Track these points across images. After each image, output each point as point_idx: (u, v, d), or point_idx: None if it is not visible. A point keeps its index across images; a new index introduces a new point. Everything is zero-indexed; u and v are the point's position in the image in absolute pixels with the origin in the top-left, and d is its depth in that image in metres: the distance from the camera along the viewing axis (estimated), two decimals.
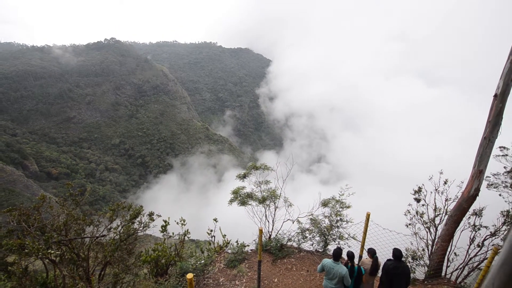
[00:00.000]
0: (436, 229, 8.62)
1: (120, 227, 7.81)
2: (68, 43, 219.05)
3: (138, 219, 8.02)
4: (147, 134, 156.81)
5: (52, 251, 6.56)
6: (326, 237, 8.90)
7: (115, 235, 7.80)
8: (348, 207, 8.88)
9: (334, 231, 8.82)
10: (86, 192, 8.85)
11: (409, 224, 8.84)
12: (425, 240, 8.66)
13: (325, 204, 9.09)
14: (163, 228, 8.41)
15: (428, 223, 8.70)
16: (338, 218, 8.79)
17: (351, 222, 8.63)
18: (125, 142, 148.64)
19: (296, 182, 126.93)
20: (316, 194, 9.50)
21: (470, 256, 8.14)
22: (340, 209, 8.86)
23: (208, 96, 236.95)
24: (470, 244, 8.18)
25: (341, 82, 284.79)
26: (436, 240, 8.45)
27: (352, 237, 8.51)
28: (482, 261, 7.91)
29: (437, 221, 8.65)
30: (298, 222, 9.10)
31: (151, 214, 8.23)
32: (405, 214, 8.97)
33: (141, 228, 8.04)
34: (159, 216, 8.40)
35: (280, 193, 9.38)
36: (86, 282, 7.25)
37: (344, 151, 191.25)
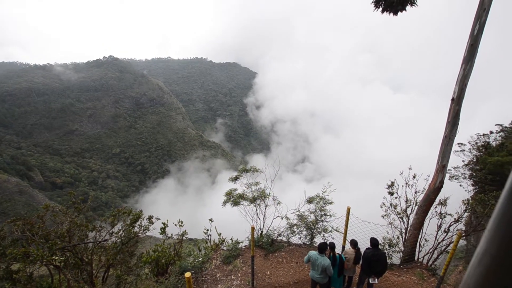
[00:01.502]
0: (408, 219, 8.77)
1: (121, 231, 7.54)
2: (69, 61, 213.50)
3: (138, 222, 7.78)
4: (146, 143, 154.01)
5: (56, 257, 6.25)
6: (312, 230, 8.90)
7: (117, 239, 7.53)
8: (331, 203, 8.93)
9: (319, 225, 8.84)
10: (89, 200, 8.52)
11: (385, 215, 8.96)
12: (399, 229, 8.80)
13: (310, 201, 9.11)
14: (162, 230, 8.19)
15: (401, 214, 8.85)
16: (322, 213, 8.83)
17: (334, 216, 8.68)
18: (125, 151, 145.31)
19: (283, 181, 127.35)
20: (301, 192, 9.51)
21: (438, 241, 8.31)
22: (324, 205, 8.91)
23: (200, 106, 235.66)
24: (438, 231, 8.36)
25: (319, 90, 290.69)
26: (408, 228, 8.59)
27: (335, 230, 8.55)
28: (449, 245, 8.09)
29: (408, 211, 8.81)
30: (287, 218, 9.08)
31: (150, 218, 8.00)
32: (381, 207, 9.09)
33: (141, 231, 7.79)
34: (158, 219, 8.18)
35: (269, 193, 9.34)
36: (90, 285, 6.94)
37: (325, 152, 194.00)
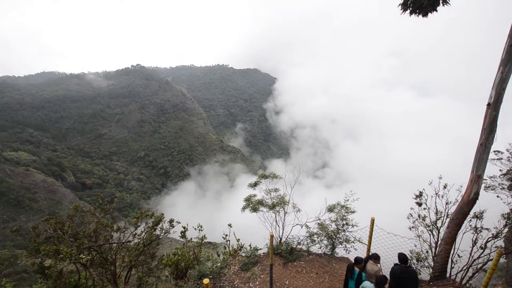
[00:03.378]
0: (439, 232, 8.16)
1: (143, 233, 7.74)
2: (100, 70, 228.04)
3: (160, 225, 7.95)
4: (169, 147, 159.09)
5: (83, 256, 6.53)
6: (333, 240, 8.56)
7: (139, 240, 7.73)
8: (353, 212, 8.55)
9: (341, 235, 8.48)
10: (114, 202, 8.87)
11: (412, 227, 8.40)
12: (428, 243, 8.20)
13: (331, 209, 8.80)
14: (183, 233, 8.30)
15: (431, 226, 8.25)
16: (344, 223, 8.47)
17: (356, 226, 8.29)
18: (149, 155, 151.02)
19: (303, 186, 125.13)
20: (321, 198, 9.23)
21: (474, 258, 7.62)
22: (346, 214, 8.55)
23: (221, 112, 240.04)
24: (473, 246, 7.68)
25: (341, 95, 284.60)
26: (439, 242, 7.98)
27: (358, 241, 8.15)
28: (486, 263, 7.39)
29: (438, 224, 8.20)
30: (307, 226, 8.82)
31: (171, 221, 8.15)
32: (408, 218, 8.53)
33: (162, 234, 7.95)
34: (179, 222, 8.31)
35: (289, 200, 9.16)
36: (113, 284, 7.16)
37: (346, 158, 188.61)
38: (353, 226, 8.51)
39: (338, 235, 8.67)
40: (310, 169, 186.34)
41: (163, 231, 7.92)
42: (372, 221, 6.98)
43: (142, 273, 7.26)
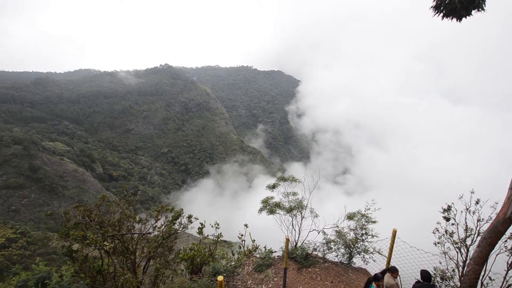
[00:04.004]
0: (468, 250, 7.57)
1: (163, 227, 8.01)
2: (131, 68, 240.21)
3: (179, 220, 8.18)
4: (191, 144, 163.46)
5: (107, 243, 6.88)
6: (351, 249, 8.27)
7: (158, 233, 8.01)
8: (374, 222, 8.20)
9: (359, 245, 8.17)
10: (138, 194, 9.28)
11: (438, 243, 7.87)
12: (455, 261, 7.63)
13: (350, 217, 8.52)
14: (200, 230, 8.48)
15: (459, 243, 7.68)
16: (364, 232, 8.15)
17: (376, 236, 7.94)
18: (172, 151, 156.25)
19: (322, 191, 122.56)
20: (341, 204, 8.97)
21: (509, 283, 6.99)
22: (366, 223, 8.22)
23: (243, 112, 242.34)
24: (508, 270, 7.03)
25: (366, 100, 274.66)
26: (467, 261, 7.40)
27: (377, 252, 7.80)
28: None
29: (468, 241, 7.60)
30: (324, 233, 8.61)
31: (190, 217, 8.36)
32: (433, 232, 8.00)
33: (180, 229, 8.18)
34: (197, 219, 8.50)
35: (307, 204, 9.01)
36: (132, 273, 7.47)
37: (369, 165, 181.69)
38: (373, 236, 8.18)
39: (356, 245, 8.38)
40: (330, 175, 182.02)
41: (182, 226, 8.15)
42: (394, 232, 6.65)
43: (159, 264, 7.52)
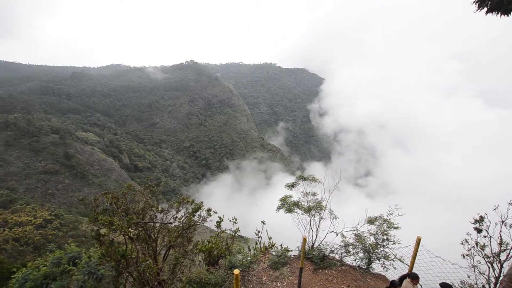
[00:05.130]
0: (501, 266, 7.01)
1: (183, 218, 8.29)
2: (159, 64, 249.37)
3: (198, 213, 8.42)
4: (212, 140, 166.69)
5: (131, 230, 7.27)
6: (371, 254, 8.01)
7: (179, 223, 8.31)
8: (396, 228, 7.84)
9: (380, 250, 7.88)
10: (161, 185, 9.67)
11: (466, 255, 7.37)
12: (486, 276, 7.10)
13: (371, 221, 8.23)
14: (218, 223, 8.67)
15: (491, 258, 7.12)
16: (385, 238, 7.84)
17: (398, 243, 7.60)
18: (194, 146, 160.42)
19: (341, 193, 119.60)
20: (361, 207, 8.70)
21: None
22: (387, 229, 7.90)
23: (265, 110, 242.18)
24: None
25: (393, 100, 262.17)
26: (501, 278, 6.87)
27: (398, 259, 7.48)
28: None
29: (502, 256, 7.03)
30: (342, 235, 8.42)
31: (209, 210, 8.57)
32: (462, 244, 7.48)
33: (200, 221, 8.42)
34: (215, 212, 8.70)
35: (326, 205, 8.85)
36: (153, 260, 7.84)
37: (393, 168, 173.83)
38: (394, 243, 7.84)
39: (376, 250, 8.09)
40: (352, 176, 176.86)
41: (201, 218, 8.38)
42: (418, 240, 6.34)
43: (179, 254, 7.80)
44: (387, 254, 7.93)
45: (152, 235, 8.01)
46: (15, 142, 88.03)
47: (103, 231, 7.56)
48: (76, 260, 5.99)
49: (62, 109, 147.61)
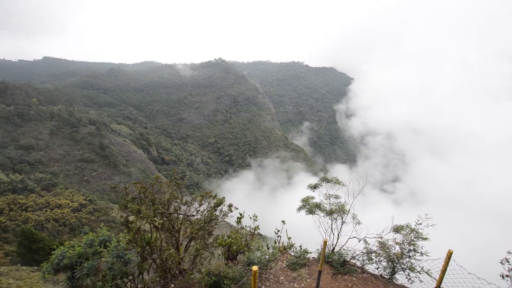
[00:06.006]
0: None
1: (205, 211, 8.54)
2: (188, 61, 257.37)
3: (220, 207, 8.62)
4: (236, 137, 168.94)
5: (157, 219, 7.64)
6: (395, 264, 7.62)
7: (201, 217, 8.57)
8: (425, 239, 7.36)
9: (405, 261, 7.47)
10: (185, 178, 10.03)
11: (506, 276, 6.72)
12: None
13: (397, 229, 7.81)
14: (238, 219, 8.81)
15: None
16: (411, 248, 7.40)
17: (426, 255, 7.14)
18: (218, 142, 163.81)
19: (366, 198, 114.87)
20: (386, 214, 8.31)
21: None
22: (415, 239, 7.45)
23: (290, 109, 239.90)
24: None
25: (429, 103, 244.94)
26: None
27: (425, 272, 7.03)
28: None
29: None
30: (365, 242, 8.10)
31: (230, 206, 8.73)
32: (502, 263, 6.81)
33: (221, 216, 8.61)
34: (237, 208, 8.83)
35: (349, 209, 8.58)
36: (175, 249, 8.17)
37: (425, 175, 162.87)
38: (422, 254, 7.38)
39: (401, 260, 7.69)
40: (378, 181, 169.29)
41: (222, 213, 8.57)
42: (450, 254, 5.91)
43: (199, 246, 8.06)
44: (413, 266, 7.50)
45: (175, 226, 8.35)
46: (58, 132, 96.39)
47: (131, 218, 8.02)
48: (107, 243, 6.43)
49: (99, 102, 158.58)
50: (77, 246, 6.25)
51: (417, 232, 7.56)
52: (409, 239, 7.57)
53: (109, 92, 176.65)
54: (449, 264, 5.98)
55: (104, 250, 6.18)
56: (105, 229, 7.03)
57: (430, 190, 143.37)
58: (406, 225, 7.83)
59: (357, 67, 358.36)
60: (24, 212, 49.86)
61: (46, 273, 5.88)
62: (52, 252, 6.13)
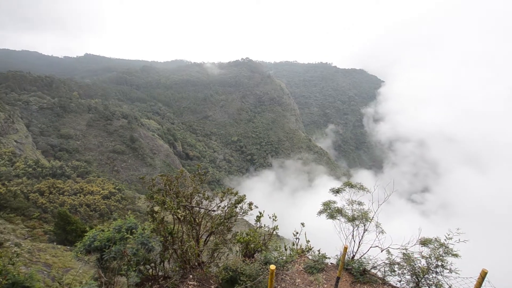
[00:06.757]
0: None
1: (226, 208, 8.71)
2: (216, 60, 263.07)
3: (240, 205, 8.74)
4: (259, 136, 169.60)
5: (180, 212, 7.94)
6: (419, 279, 7.19)
7: (221, 212, 8.76)
8: (456, 255, 6.84)
9: (431, 276, 7.00)
10: (208, 174, 10.30)
11: None
12: None
13: (424, 243, 7.35)
14: (258, 218, 8.86)
15: None
16: (439, 263, 6.92)
17: (456, 273, 6.64)
18: (241, 141, 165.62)
19: (391, 206, 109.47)
20: (413, 225, 7.86)
21: None
22: (444, 254, 6.95)
23: (315, 110, 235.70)
24: None
25: (468, 110, 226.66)
26: None
27: None
28: None
29: None
30: (388, 252, 7.74)
31: (250, 204, 8.82)
32: None
33: (241, 213, 8.73)
34: (257, 207, 8.90)
35: (373, 217, 8.26)
36: (196, 242, 8.43)
37: (459, 187, 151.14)
38: (451, 271, 6.86)
39: (427, 275, 7.23)
40: (405, 191, 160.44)
41: (242, 210, 8.68)
42: (484, 274, 5.45)
43: (218, 240, 8.25)
44: (439, 283, 7.03)
45: (196, 219, 8.62)
46: (94, 123, 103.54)
47: (156, 208, 8.42)
48: (133, 230, 6.82)
49: (131, 97, 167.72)
50: (107, 231, 6.70)
51: (446, 247, 7.06)
52: (437, 253, 7.09)
53: (141, 88, 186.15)
54: (483, 284, 5.53)
55: (130, 236, 6.56)
56: (132, 217, 7.46)
57: (464, 204, 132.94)
58: (435, 238, 7.35)
59: (389, 69, 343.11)
60: (61, 195, 54.32)
61: (79, 252, 6.37)
62: (85, 234, 6.63)
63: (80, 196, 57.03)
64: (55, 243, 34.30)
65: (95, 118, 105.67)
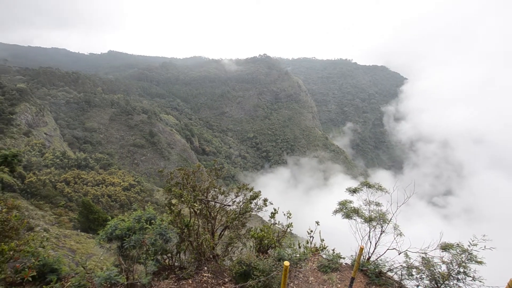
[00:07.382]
0: None
1: (241, 203, 8.81)
2: (234, 57, 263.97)
3: (255, 201, 8.81)
4: (275, 133, 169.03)
5: (196, 205, 8.13)
6: (439, 285, 6.90)
7: (236, 207, 8.87)
8: (480, 262, 6.49)
9: (452, 283, 6.70)
10: (224, 170, 10.44)
11: None
12: None
13: (445, 248, 7.03)
14: (272, 214, 8.90)
15: None
16: (461, 270, 6.60)
17: (480, 281, 6.31)
18: (256, 137, 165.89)
19: (411, 208, 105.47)
20: (434, 229, 7.56)
21: None
22: (467, 261, 6.61)
23: (333, 108, 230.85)
24: None
25: (498, 110, 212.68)
26: None
27: None
28: None
29: None
30: (406, 255, 7.50)
31: (265, 200, 8.86)
32: None
33: (255, 209, 8.80)
34: (271, 203, 8.93)
35: (391, 219, 8.02)
36: (211, 235, 8.62)
37: (485, 191, 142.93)
38: (474, 279, 6.52)
39: (447, 281, 6.93)
40: (426, 193, 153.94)
41: (257, 206, 8.75)
42: (510, 284, 5.16)
43: (233, 235, 8.37)
44: None
45: (212, 213, 8.80)
46: (116, 118, 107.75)
47: (174, 201, 8.67)
48: (152, 221, 7.08)
49: (151, 93, 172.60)
50: (127, 221, 7.00)
51: (470, 254, 6.72)
52: (459, 259, 6.77)
53: (160, 84, 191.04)
54: None
55: (149, 227, 6.81)
56: (151, 208, 7.74)
57: (491, 208, 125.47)
58: (457, 244, 7.02)
59: (412, 66, 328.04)
60: (85, 186, 57.30)
61: (101, 240, 6.70)
62: (107, 223, 6.97)
63: (102, 187, 59.84)
64: (79, 230, 36.36)
65: (117, 112, 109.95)
